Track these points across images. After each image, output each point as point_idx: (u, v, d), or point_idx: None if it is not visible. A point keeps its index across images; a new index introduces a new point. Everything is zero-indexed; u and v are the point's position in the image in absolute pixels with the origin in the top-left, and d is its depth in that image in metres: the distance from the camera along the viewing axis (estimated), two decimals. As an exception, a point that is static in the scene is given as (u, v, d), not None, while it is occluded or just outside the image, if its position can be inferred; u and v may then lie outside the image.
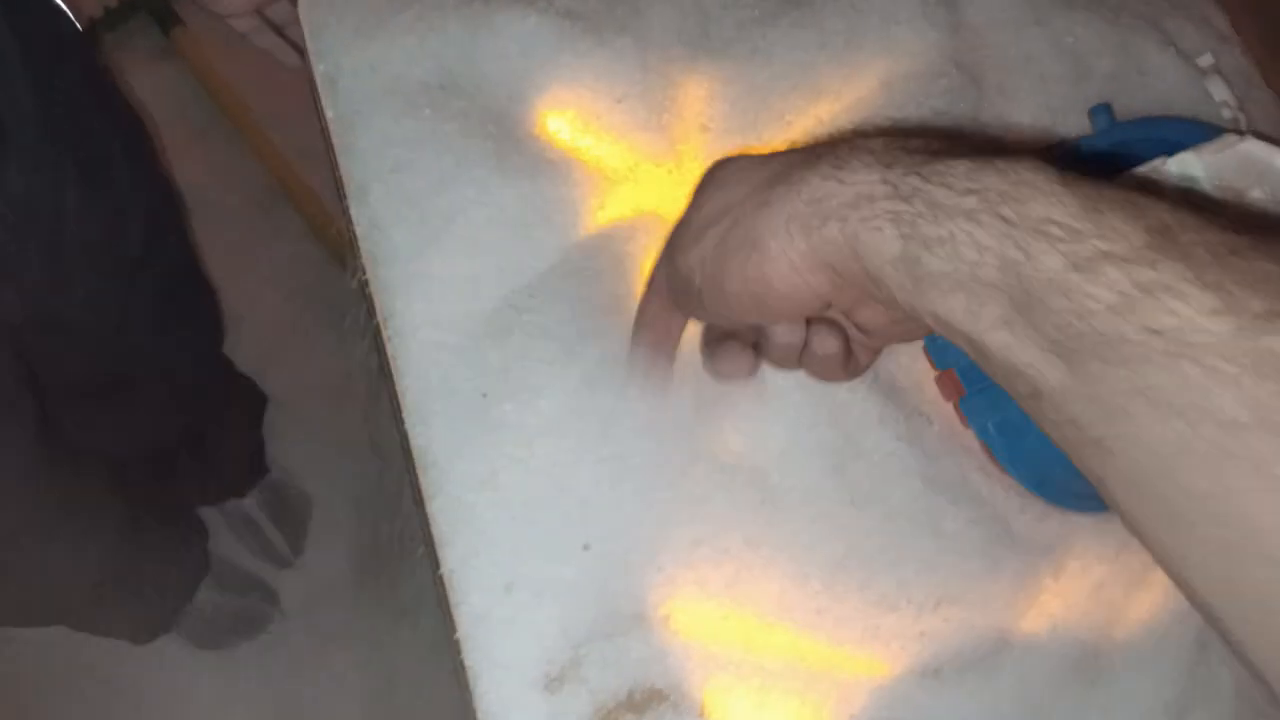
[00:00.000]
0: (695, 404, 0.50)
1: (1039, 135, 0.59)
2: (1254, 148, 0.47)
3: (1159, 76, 0.63)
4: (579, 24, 0.58)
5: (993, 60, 0.62)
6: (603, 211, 0.55)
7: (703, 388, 0.50)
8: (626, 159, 0.57)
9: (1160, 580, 0.53)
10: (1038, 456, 0.50)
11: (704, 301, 0.39)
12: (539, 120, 0.56)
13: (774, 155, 0.38)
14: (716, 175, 0.40)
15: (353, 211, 0.53)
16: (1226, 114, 0.62)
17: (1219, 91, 0.62)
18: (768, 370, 0.47)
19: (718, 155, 0.57)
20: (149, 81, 1.33)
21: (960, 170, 0.31)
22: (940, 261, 0.30)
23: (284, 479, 1.17)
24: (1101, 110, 0.57)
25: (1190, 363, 0.25)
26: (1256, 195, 0.46)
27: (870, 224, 0.32)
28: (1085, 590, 0.52)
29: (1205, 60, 0.63)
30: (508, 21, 0.57)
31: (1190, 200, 0.29)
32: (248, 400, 1.12)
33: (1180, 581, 0.28)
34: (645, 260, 0.54)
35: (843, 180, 0.33)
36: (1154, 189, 0.32)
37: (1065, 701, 0.51)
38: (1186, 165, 0.46)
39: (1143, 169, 0.47)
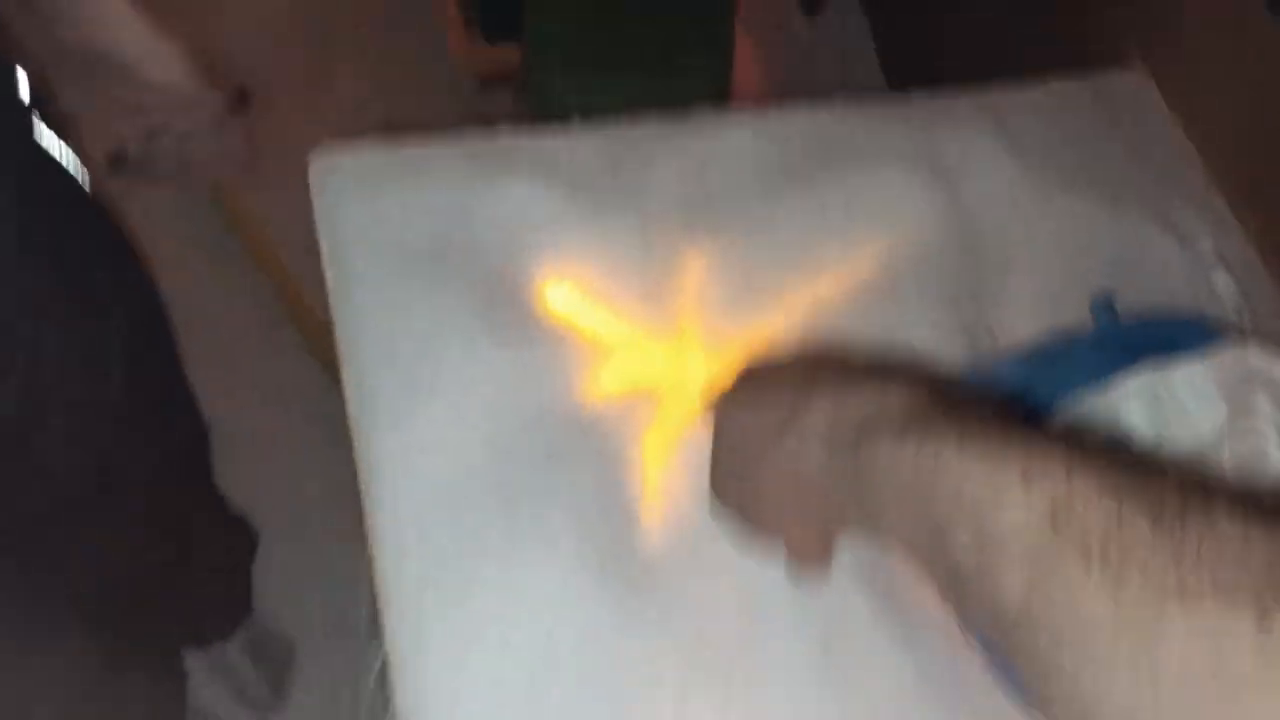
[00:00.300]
0: (669, 603, 0.48)
1: (1039, 325, 0.58)
2: (1256, 359, 0.46)
3: (1162, 265, 0.63)
4: (581, 193, 0.58)
5: (992, 242, 0.62)
6: (596, 386, 0.55)
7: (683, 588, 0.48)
8: (623, 331, 0.57)
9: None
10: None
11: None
12: (535, 288, 0.56)
13: (761, 411, 0.41)
14: (725, 425, 0.43)
15: (343, 373, 0.52)
16: (1230, 304, 0.62)
17: (1222, 282, 0.62)
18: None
19: (717, 330, 0.58)
20: (162, 201, 1.36)
21: (883, 450, 0.33)
22: (887, 526, 0.33)
23: (268, 622, 1.14)
24: (1103, 307, 0.56)
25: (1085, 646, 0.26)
26: (1261, 401, 0.45)
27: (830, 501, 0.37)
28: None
29: (1207, 246, 0.64)
30: (509, 188, 0.57)
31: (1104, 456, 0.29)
32: (238, 538, 1.10)
33: None
34: (637, 444, 0.53)
35: (798, 460, 0.37)
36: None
37: None
38: (1160, 385, 0.45)
39: (1113, 394, 0.46)
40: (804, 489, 0.38)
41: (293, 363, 1.36)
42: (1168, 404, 0.46)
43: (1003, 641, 0.29)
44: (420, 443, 0.51)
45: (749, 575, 0.49)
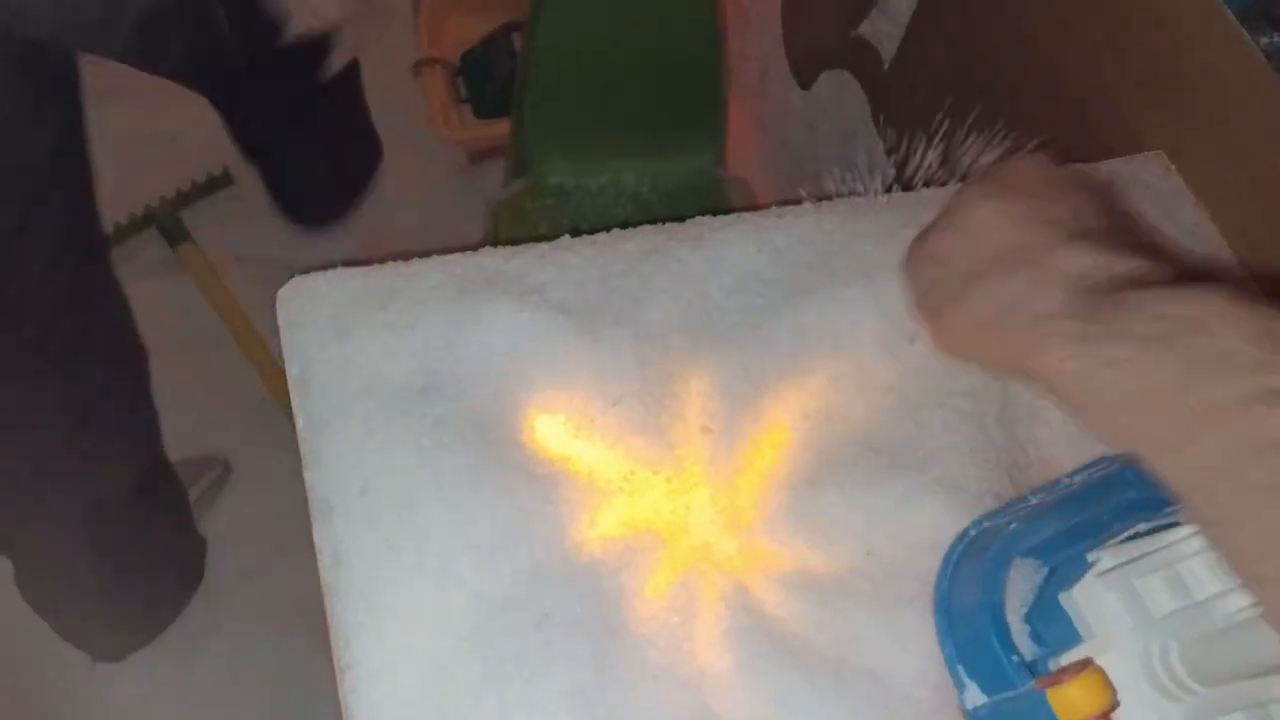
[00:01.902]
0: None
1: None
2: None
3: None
4: (573, 319, 0.54)
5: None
6: (594, 530, 0.50)
7: None
8: (622, 467, 0.52)
9: None
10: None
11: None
12: (526, 425, 0.52)
13: (1009, 226, 0.44)
14: (972, 221, 0.46)
15: (314, 531, 0.48)
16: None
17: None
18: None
19: (720, 460, 0.53)
20: (151, 293, 1.33)
21: (1152, 297, 0.35)
22: (1118, 380, 0.35)
23: None
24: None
25: None
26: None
27: (1048, 341, 0.38)
28: None
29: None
30: (495, 316, 0.53)
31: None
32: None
33: None
34: (636, 592, 0.48)
35: (1025, 294, 0.40)
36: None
37: None
38: None
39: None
40: (1001, 317, 0.40)
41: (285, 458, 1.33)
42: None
43: (1231, 508, 0.31)
44: (399, 609, 0.46)
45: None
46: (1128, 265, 0.39)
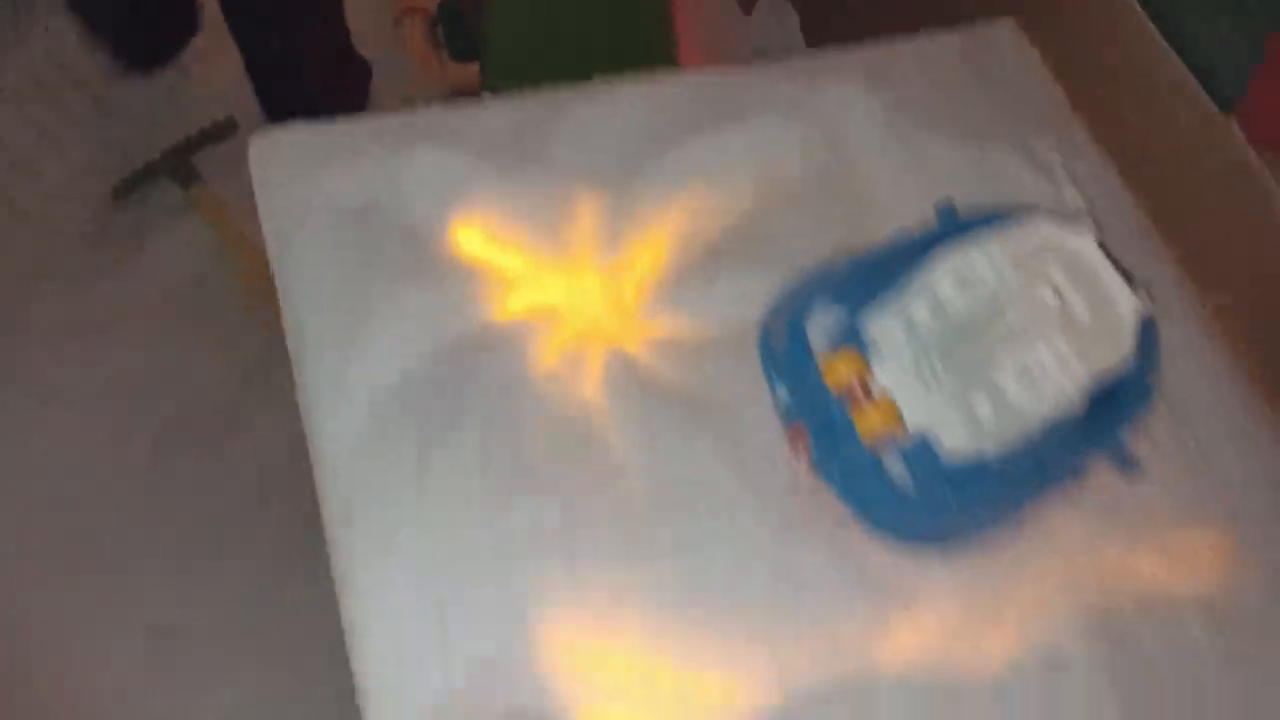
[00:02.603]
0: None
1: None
2: (1045, 228, 0.54)
3: (1015, 182, 0.71)
4: (487, 156, 0.68)
5: (863, 181, 0.70)
6: (504, 313, 0.63)
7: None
8: (528, 266, 0.65)
9: (1012, 616, 0.57)
10: (878, 498, 0.55)
11: None
12: (450, 235, 0.65)
13: None
14: None
15: (283, 317, 0.62)
16: (1073, 206, 0.70)
17: (1070, 195, 0.70)
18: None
19: (608, 260, 0.66)
20: (167, 238, 1.47)
21: None
22: None
23: None
24: (945, 208, 0.64)
25: None
26: (1050, 267, 0.53)
27: None
28: (939, 628, 0.56)
29: (1059, 169, 0.72)
30: (426, 154, 0.67)
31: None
32: None
33: None
34: (538, 353, 0.62)
35: None
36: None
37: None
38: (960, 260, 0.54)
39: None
40: None
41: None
42: (971, 277, 0.54)
43: None
44: (350, 371, 0.60)
45: (625, 462, 0.58)
46: None
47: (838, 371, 0.52)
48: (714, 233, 0.68)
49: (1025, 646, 0.56)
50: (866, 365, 0.53)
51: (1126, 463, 0.60)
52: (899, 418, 0.52)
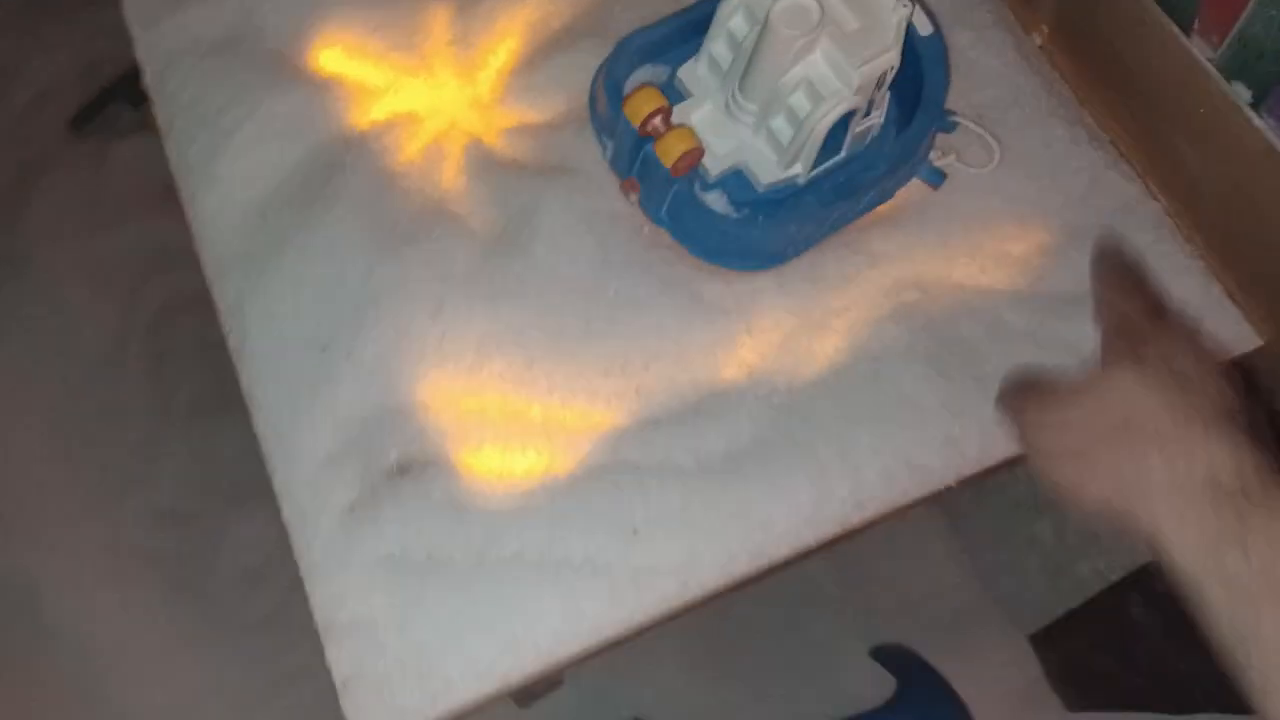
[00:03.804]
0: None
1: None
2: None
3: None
4: (340, -23, 0.73)
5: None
6: (367, 117, 0.69)
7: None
8: (387, 75, 0.71)
9: (839, 325, 0.64)
10: (701, 230, 0.62)
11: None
12: (310, 55, 0.71)
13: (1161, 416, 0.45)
14: (1109, 390, 0.47)
15: (164, 143, 0.68)
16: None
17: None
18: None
19: (464, 63, 0.72)
20: (126, 152, 1.53)
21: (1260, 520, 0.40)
22: (1229, 584, 0.39)
23: None
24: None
25: None
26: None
27: (1179, 531, 0.41)
28: (776, 341, 0.63)
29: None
30: (280, -18, 0.72)
31: None
32: None
33: None
34: (401, 150, 0.68)
35: (1173, 482, 0.42)
36: None
37: (761, 427, 0.61)
38: None
39: None
40: (1135, 488, 0.42)
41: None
42: (755, 6, 0.59)
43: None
44: (229, 177, 0.66)
45: (482, 226, 0.64)
46: (1260, 458, 0.40)
47: (634, 107, 0.57)
48: (559, 20, 0.73)
49: (853, 348, 0.63)
50: (665, 100, 0.58)
51: (932, 175, 0.65)
52: (694, 138, 0.57)
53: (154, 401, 1.37)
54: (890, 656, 1.22)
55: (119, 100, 1.61)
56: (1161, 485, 0.42)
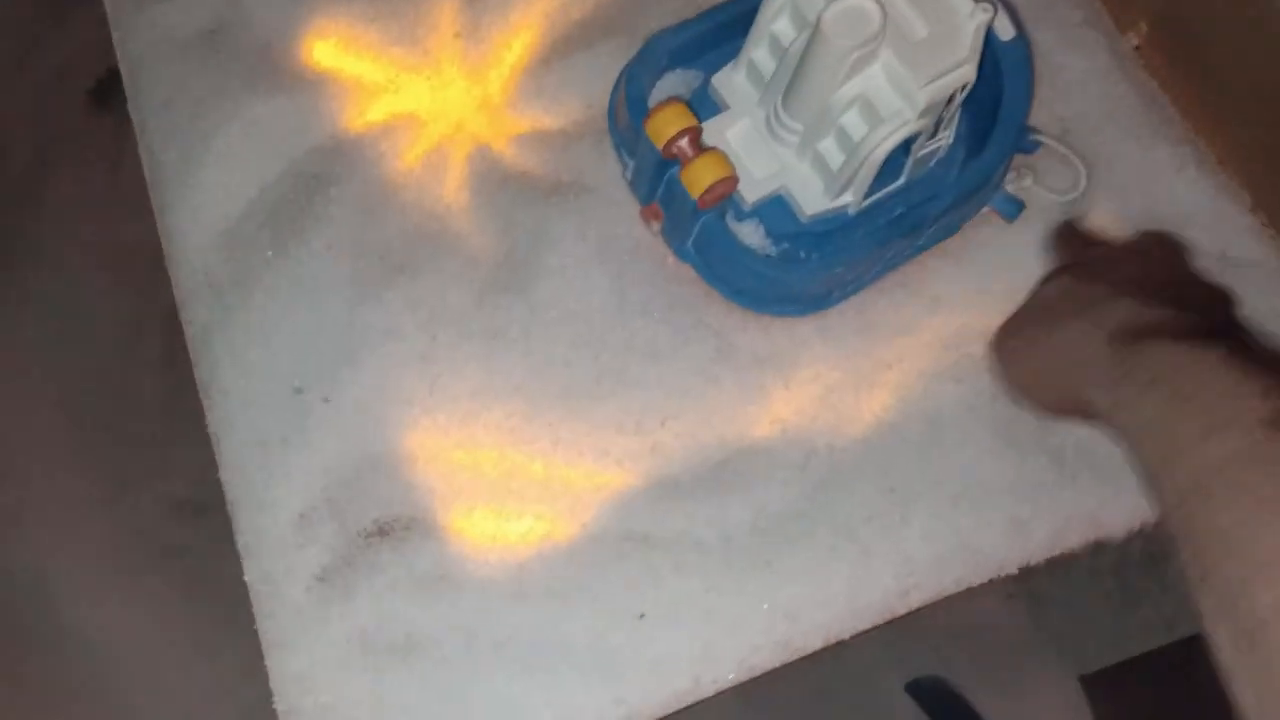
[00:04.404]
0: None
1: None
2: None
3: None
4: (334, -40, 0.64)
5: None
6: (362, 119, 0.62)
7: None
8: (386, 72, 0.63)
9: (890, 381, 0.55)
10: (732, 269, 0.53)
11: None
12: (303, 48, 0.63)
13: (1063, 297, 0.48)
14: (1044, 291, 0.50)
15: (138, 145, 0.61)
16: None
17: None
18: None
19: (472, 58, 0.63)
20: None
21: (1160, 347, 0.40)
22: (1128, 416, 0.40)
23: None
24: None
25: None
26: None
27: (1090, 386, 0.42)
28: (816, 396, 0.55)
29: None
30: (269, -33, 0.64)
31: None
32: None
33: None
34: (399, 158, 0.60)
35: (1080, 341, 0.44)
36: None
37: (794, 498, 0.53)
38: None
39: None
40: (1070, 367, 0.44)
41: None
42: (805, 8, 0.50)
43: (1180, 515, 0.35)
44: (205, 187, 0.59)
45: (484, 255, 0.56)
46: (1155, 315, 0.42)
47: (657, 126, 0.49)
48: (580, 12, 0.64)
49: (906, 408, 0.54)
50: (694, 120, 0.49)
51: (1006, 205, 0.56)
52: (726, 165, 0.49)
53: (169, 392, 1.32)
54: (926, 692, 1.14)
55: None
56: (1082, 353, 0.43)
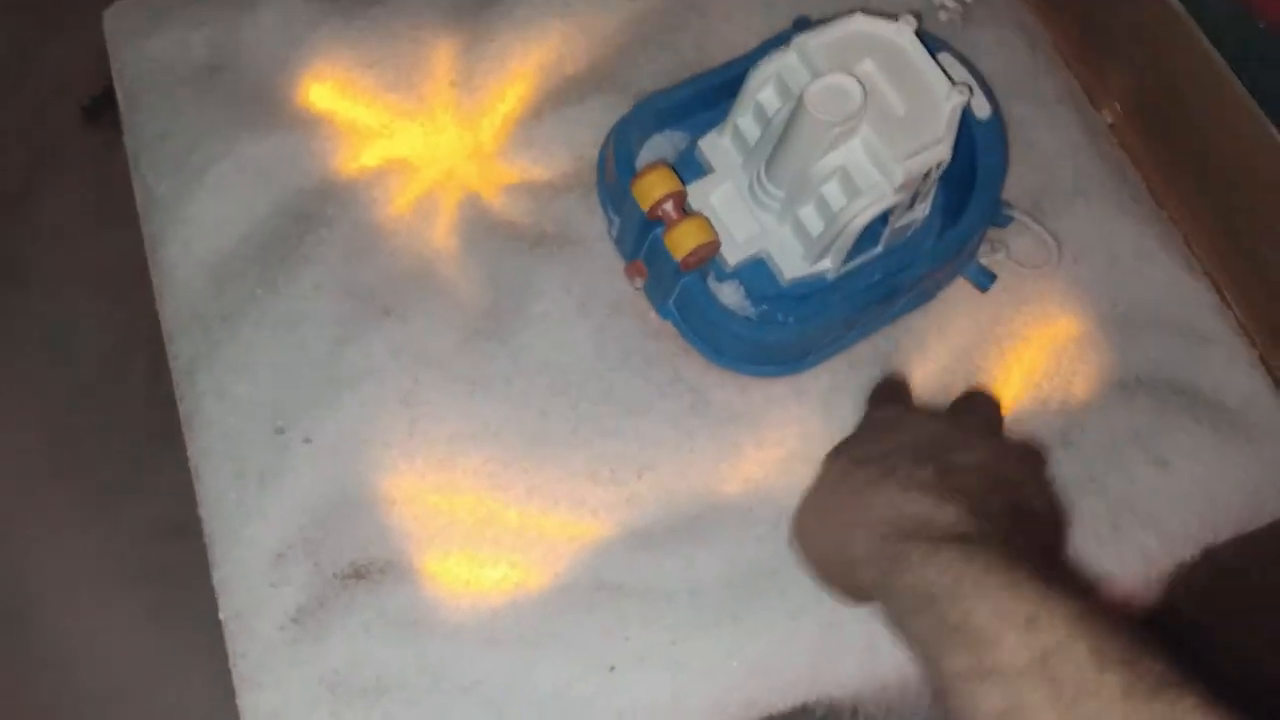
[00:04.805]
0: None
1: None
2: (862, 23, 0.51)
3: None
4: (334, 1, 0.66)
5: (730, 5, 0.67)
6: (355, 163, 0.63)
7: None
8: (381, 117, 0.64)
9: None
10: (711, 329, 0.54)
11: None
12: (299, 89, 0.64)
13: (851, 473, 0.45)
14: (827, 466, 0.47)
15: (132, 177, 0.62)
16: (944, 16, 0.66)
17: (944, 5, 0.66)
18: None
19: (465, 107, 0.65)
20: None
21: (917, 556, 0.38)
22: (902, 632, 0.38)
23: None
24: (800, 21, 0.61)
25: None
26: (867, 64, 0.50)
27: (867, 581, 0.41)
28: (785, 456, 0.56)
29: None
30: (269, 5, 0.65)
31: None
32: None
33: None
34: (390, 203, 0.61)
35: (852, 541, 0.42)
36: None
37: (766, 554, 0.54)
38: (793, 53, 0.51)
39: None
40: (846, 565, 0.42)
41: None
42: (789, 80, 0.52)
43: None
44: (195, 221, 0.60)
45: (468, 302, 0.57)
46: (914, 510, 0.40)
47: (644, 189, 0.50)
48: (574, 67, 0.66)
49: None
50: (679, 184, 0.51)
51: (979, 276, 0.57)
52: (709, 230, 0.50)
53: (154, 413, 1.32)
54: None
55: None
56: (853, 550, 0.41)
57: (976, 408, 0.53)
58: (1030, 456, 0.54)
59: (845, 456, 0.46)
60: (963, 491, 0.40)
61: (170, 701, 1.18)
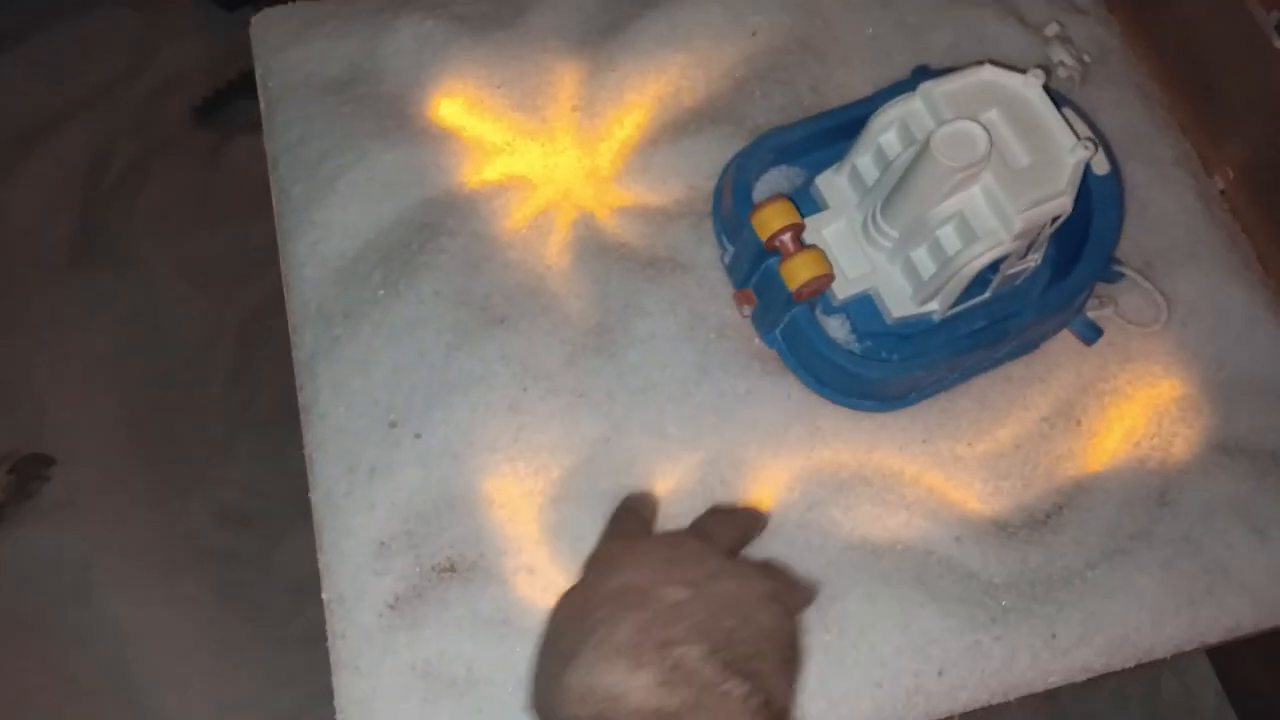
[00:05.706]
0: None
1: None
2: (990, 74, 0.53)
3: (996, 44, 0.68)
4: (467, 24, 0.69)
5: (834, 37, 0.69)
6: (477, 177, 0.65)
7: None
8: (505, 135, 0.67)
9: (966, 478, 0.57)
10: (816, 360, 0.55)
11: None
12: (429, 104, 0.67)
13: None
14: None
15: (270, 177, 0.65)
16: (1063, 73, 0.67)
17: (1057, 53, 0.67)
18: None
19: (585, 131, 0.67)
20: (243, 149, 1.54)
21: None
22: None
23: None
24: (920, 70, 0.63)
25: None
26: (992, 114, 0.52)
27: None
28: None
29: (1051, 29, 0.68)
30: (407, 24, 0.68)
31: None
32: None
33: None
34: (508, 217, 0.64)
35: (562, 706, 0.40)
36: None
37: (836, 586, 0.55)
38: (918, 98, 0.52)
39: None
40: None
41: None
42: (913, 125, 0.53)
43: None
44: (325, 225, 0.63)
45: (578, 317, 0.59)
46: (609, 679, 0.39)
47: (764, 219, 0.52)
48: (691, 99, 0.68)
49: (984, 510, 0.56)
50: (798, 217, 0.52)
51: (1086, 330, 0.58)
52: (824, 263, 0.51)
53: (233, 404, 1.36)
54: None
55: (244, 95, 1.62)
56: (558, 709, 0.39)
57: (712, 527, 0.49)
58: (765, 581, 0.44)
59: (563, 609, 0.44)
60: (666, 643, 0.39)
61: (228, 682, 1.21)
